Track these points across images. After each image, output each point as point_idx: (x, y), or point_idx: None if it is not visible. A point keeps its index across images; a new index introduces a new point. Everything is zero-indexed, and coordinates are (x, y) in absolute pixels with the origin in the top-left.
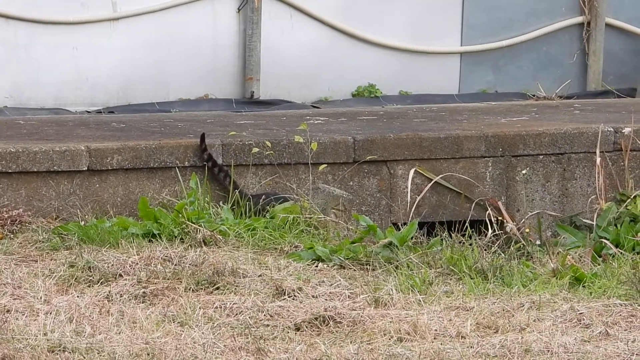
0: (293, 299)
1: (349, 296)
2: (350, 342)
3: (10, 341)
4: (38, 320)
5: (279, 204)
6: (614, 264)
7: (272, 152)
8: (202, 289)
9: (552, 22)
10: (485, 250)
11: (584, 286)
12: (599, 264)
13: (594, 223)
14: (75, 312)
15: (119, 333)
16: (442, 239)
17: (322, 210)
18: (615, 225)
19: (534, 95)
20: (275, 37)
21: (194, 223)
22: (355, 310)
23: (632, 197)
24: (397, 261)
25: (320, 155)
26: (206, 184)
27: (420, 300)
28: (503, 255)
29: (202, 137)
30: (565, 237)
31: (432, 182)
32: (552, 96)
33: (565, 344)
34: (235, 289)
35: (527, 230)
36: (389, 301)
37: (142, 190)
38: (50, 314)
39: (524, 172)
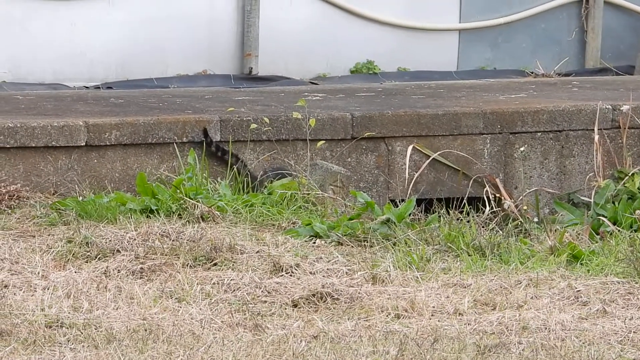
0: (291, 276)
1: (346, 273)
2: (348, 319)
3: (7, 316)
4: (35, 296)
5: (277, 179)
6: (611, 241)
7: (270, 128)
8: (199, 265)
9: None
10: (482, 227)
11: (581, 264)
12: (596, 242)
13: (592, 200)
14: (72, 287)
15: (117, 309)
16: (439, 216)
17: (320, 187)
18: (613, 202)
19: (532, 73)
20: (273, 14)
21: (191, 199)
22: (352, 286)
23: (630, 174)
24: (395, 238)
25: (319, 131)
26: (204, 160)
27: (417, 277)
28: (501, 232)
29: (205, 132)
30: (563, 215)
31: (430, 158)
32: (550, 73)
33: (563, 321)
34: (233, 265)
35: (525, 207)
36: (386, 278)
37: (140, 166)
38: (48, 289)
39: (522, 149)
